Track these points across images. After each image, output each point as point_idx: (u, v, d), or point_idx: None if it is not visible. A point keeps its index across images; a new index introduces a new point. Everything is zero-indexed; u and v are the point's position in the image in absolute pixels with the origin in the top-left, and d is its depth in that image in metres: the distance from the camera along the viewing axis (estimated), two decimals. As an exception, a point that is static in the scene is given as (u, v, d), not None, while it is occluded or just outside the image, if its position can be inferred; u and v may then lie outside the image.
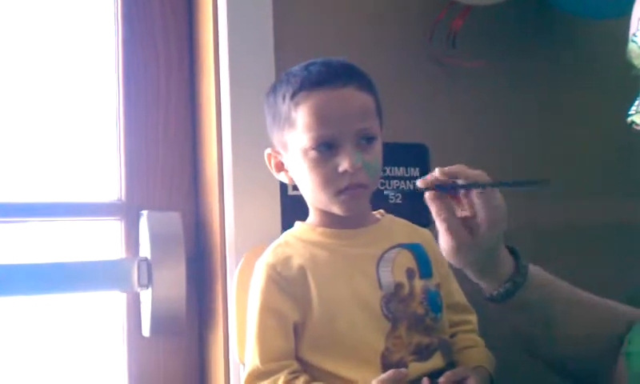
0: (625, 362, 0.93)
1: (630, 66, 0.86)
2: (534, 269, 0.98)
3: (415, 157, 1.39)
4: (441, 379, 0.91)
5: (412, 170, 1.38)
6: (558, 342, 0.98)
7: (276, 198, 1.20)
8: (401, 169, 1.37)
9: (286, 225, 1.07)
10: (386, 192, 1.16)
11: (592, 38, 1.64)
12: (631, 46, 0.84)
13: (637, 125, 0.86)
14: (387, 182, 1.35)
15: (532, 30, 1.58)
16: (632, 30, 0.85)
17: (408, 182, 1.37)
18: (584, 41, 1.63)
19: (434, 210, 0.92)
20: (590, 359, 0.99)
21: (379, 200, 1.07)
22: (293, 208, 1.04)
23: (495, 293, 0.94)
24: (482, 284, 0.95)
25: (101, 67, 1.29)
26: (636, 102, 0.86)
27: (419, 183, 0.94)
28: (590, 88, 1.59)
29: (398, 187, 1.35)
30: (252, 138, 1.17)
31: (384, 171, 1.36)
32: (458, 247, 0.92)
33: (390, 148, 1.36)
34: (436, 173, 0.93)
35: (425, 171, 1.38)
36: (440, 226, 0.93)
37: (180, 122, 1.30)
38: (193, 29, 1.32)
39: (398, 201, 1.25)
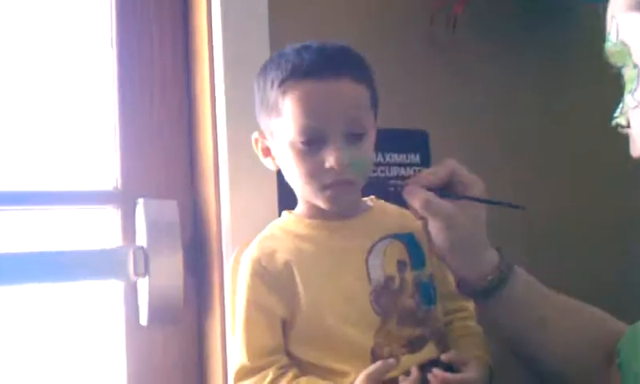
0: (619, 374, 0.91)
1: (608, 65, 0.84)
2: (519, 269, 0.95)
3: (416, 143, 1.37)
4: (435, 369, 0.89)
5: (412, 156, 1.37)
6: (549, 343, 0.95)
7: (273, 185, 1.19)
8: (401, 155, 1.36)
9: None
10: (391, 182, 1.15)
11: (599, 20, 1.62)
12: (607, 45, 0.82)
13: (622, 127, 0.83)
14: (387, 168, 1.34)
15: (536, 15, 1.55)
16: (607, 28, 0.82)
17: (408, 168, 1.35)
18: (589, 24, 1.60)
19: (417, 203, 0.90)
20: (576, 363, 0.96)
21: (378, 186, 1.06)
22: (289, 195, 1.02)
23: (480, 287, 0.90)
24: (468, 275, 0.91)
25: (96, 55, 1.28)
26: (620, 104, 0.83)
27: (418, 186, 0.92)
28: (597, 74, 1.57)
29: (397, 174, 1.34)
30: (247, 125, 1.14)
31: (383, 158, 1.35)
32: (447, 226, 0.90)
33: (390, 134, 1.36)
34: (431, 178, 0.91)
35: (425, 157, 1.38)
36: (428, 214, 0.90)
37: (175, 109, 1.29)
38: (187, 15, 1.31)
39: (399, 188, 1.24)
